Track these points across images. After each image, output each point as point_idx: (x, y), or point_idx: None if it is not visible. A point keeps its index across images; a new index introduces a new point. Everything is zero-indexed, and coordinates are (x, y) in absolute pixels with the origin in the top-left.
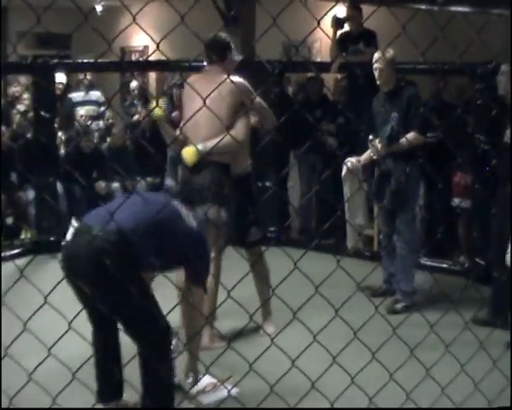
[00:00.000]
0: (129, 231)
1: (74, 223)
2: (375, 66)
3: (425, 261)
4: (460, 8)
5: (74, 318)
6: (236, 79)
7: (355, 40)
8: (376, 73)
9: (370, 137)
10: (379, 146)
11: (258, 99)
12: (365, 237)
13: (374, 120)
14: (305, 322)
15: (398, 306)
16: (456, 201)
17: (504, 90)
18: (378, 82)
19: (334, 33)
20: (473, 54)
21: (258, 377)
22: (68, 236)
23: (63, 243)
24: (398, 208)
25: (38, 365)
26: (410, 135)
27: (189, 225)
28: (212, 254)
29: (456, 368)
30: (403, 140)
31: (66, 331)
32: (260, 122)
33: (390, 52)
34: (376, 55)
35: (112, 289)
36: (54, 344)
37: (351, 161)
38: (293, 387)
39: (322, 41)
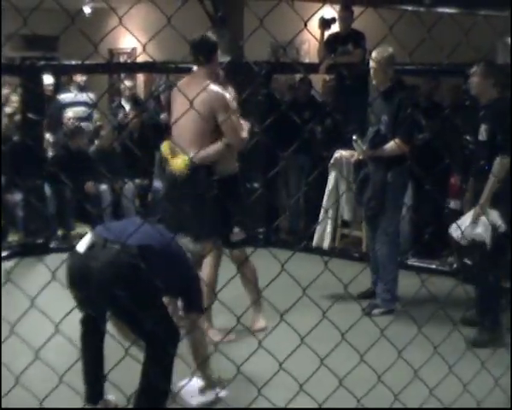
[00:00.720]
0: (145, 248)
1: (89, 235)
2: (371, 64)
3: (413, 262)
4: (447, 10)
5: (61, 320)
6: (214, 88)
7: (344, 41)
8: (371, 72)
9: (354, 137)
10: (363, 147)
11: (232, 115)
12: (354, 237)
13: (369, 118)
14: (293, 324)
15: (376, 311)
16: (452, 203)
17: (476, 90)
18: (373, 81)
19: (322, 34)
20: (461, 54)
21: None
22: (81, 247)
23: (74, 253)
24: (377, 214)
25: (25, 368)
26: (394, 142)
27: (186, 256)
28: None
29: (445, 369)
30: (386, 146)
31: (53, 334)
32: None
33: (388, 51)
34: (373, 54)
35: (132, 299)
36: (40, 348)
37: (340, 152)
38: (281, 389)
39: (311, 42)
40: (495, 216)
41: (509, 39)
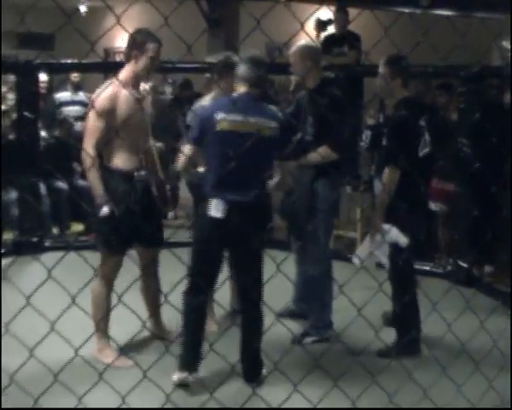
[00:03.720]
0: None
1: (218, 202)
2: (290, 59)
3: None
4: (443, 12)
5: (57, 319)
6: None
7: (339, 43)
8: (291, 68)
9: None
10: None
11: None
12: (348, 239)
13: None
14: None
15: (308, 340)
16: (432, 205)
17: (381, 91)
18: (293, 78)
19: (318, 36)
20: (457, 57)
21: None
22: (219, 213)
23: (215, 218)
24: (304, 231)
25: (20, 366)
26: (320, 150)
27: None
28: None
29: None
30: (311, 155)
31: (49, 333)
32: None
33: (309, 45)
34: (292, 49)
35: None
36: (35, 346)
37: None
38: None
39: None
40: (394, 232)
41: (505, 42)
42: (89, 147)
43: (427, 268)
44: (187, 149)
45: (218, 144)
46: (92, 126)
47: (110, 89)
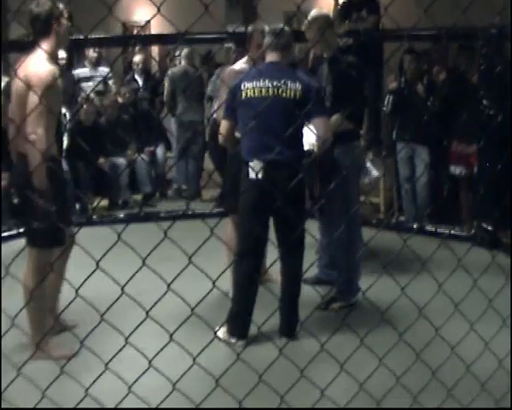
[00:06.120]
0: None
1: (255, 163)
2: (304, 28)
3: (430, 227)
4: None
5: (62, 311)
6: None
7: (358, 8)
8: (308, 38)
9: None
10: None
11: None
12: (371, 205)
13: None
14: None
15: (335, 305)
16: (452, 168)
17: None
18: (313, 49)
19: (336, 1)
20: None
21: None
22: (258, 173)
23: (255, 179)
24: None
25: (27, 360)
26: (333, 119)
27: None
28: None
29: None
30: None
31: (51, 327)
32: None
33: (323, 13)
34: (308, 19)
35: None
36: (41, 340)
37: None
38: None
39: (325, 10)
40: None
41: None
42: (43, 130)
43: (451, 232)
44: (224, 123)
45: (246, 111)
46: (40, 105)
47: (47, 63)
